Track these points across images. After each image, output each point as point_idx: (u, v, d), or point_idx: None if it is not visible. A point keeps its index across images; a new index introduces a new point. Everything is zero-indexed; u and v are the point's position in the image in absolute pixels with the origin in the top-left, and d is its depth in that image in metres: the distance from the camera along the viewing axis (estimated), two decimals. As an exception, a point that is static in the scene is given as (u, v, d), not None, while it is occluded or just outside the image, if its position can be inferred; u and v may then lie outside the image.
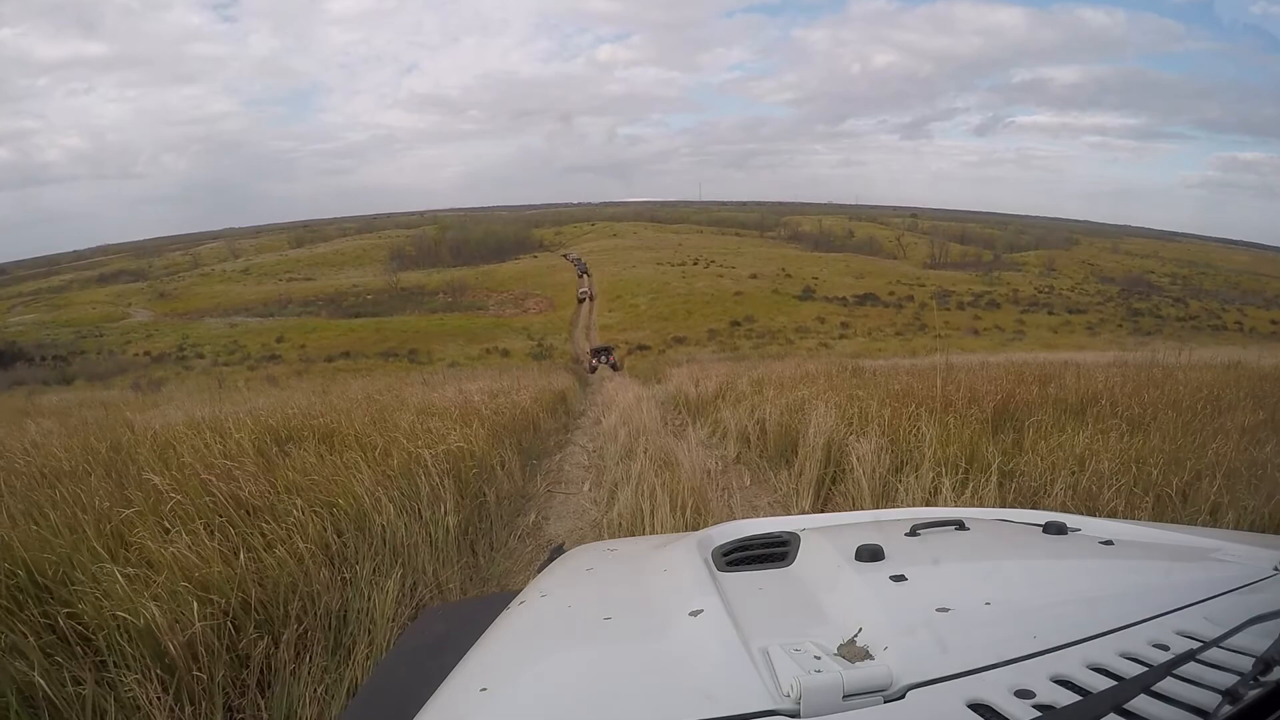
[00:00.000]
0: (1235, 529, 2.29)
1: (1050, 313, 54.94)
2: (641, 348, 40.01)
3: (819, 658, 0.62)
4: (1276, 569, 0.82)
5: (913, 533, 1.03)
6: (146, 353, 50.53)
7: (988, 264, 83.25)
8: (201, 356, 48.05)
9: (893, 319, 49.95)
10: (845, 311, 52.71)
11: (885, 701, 0.58)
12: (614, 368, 28.82)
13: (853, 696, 0.57)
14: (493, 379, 10.82)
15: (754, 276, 64.54)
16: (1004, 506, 2.28)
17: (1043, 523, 1.11)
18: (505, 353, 39.26)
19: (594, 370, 27.99)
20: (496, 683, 0.71)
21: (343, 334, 50.54)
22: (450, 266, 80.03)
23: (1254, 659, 0.54)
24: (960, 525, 1.09)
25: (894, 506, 2.53)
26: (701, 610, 0.76)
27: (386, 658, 1.11)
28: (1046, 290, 64.90)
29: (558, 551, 1.33)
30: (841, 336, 43.82)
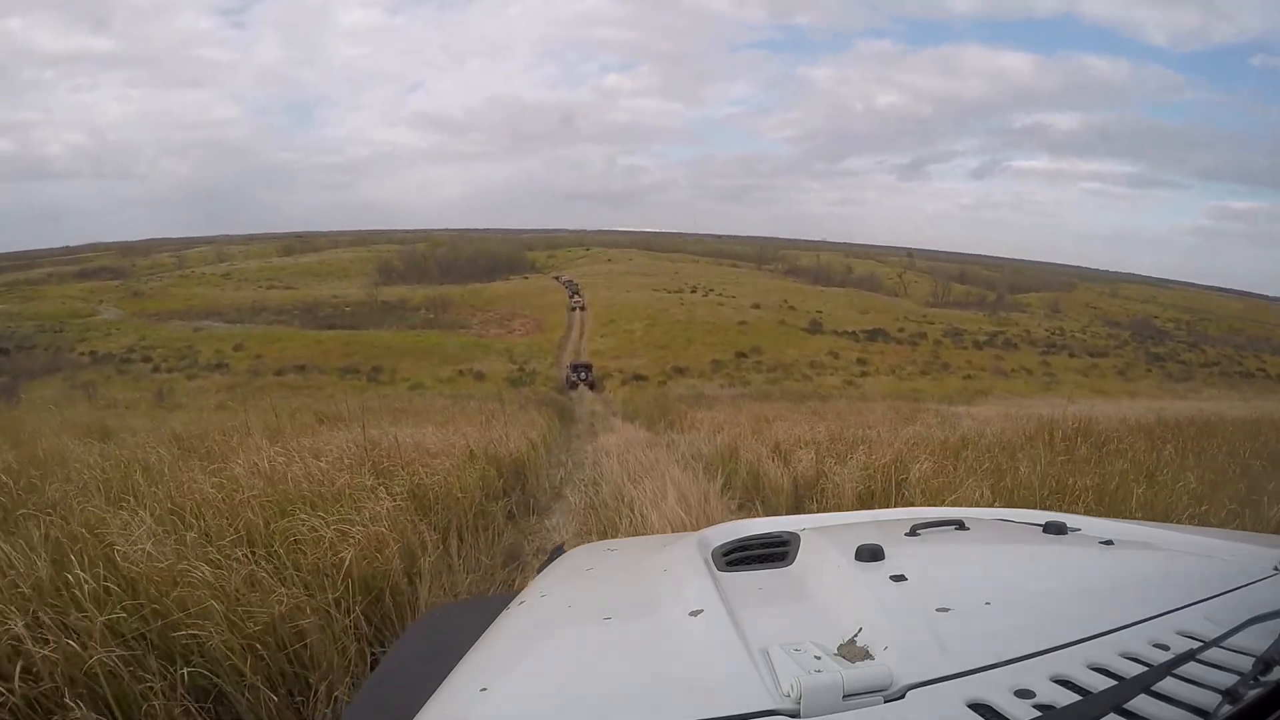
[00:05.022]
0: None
1: (1071, 355, 52.17)
2: (638, 378, 35.94)
3: (819, 658, 0.62)
4: (1276, 569, 0.81)
5: (913, 533, 1.01)
6: (92, 352, 46.12)
7: (991, 304, 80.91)
8: (147, 360, 43.82)
9: (910, 356, 46.50)
10: (858, 347, 49.23)
11: (885, 701, 0.57)
12: (591, 386, 28.76)
13: (853, 696, 0.57)
14: (413, 424, 6.65)
15: (756, 307, 60.90)
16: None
17: (1043, 522, 1.09)
18: (480, 376, 34.90)
19: (574, 388, 27.71)
20: (496, 683, 0.70)
21: (307, 345, 45.97)
22: (438, 283, 75.84)
23: (1254, 659, 0.54)
24: (960, 525, 1.07)
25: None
26: (701, 610, 0.75)
27: (387, 657, 1.08)
28: (1058, 332, 62.12)
29: (558, 552, 1.28)
30: (863, 374, 39.99)
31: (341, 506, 2.42)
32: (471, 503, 3.29)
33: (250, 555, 2.09)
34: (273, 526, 2.18)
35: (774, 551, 0.99)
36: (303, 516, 2.19)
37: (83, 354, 45.71)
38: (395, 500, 2.68)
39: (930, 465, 3.61)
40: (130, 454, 4.16)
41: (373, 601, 2.14)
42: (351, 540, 2.11)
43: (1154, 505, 2.87)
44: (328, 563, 2.05)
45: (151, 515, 2.55)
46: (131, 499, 2.94)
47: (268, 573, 1.95)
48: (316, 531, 2.12)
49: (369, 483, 2.78)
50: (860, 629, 0.67)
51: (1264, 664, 0.52)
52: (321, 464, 2.91)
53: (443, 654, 0.79)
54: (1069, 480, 3.22)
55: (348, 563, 1.99)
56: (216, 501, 2.54)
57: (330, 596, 1.92)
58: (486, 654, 0.78)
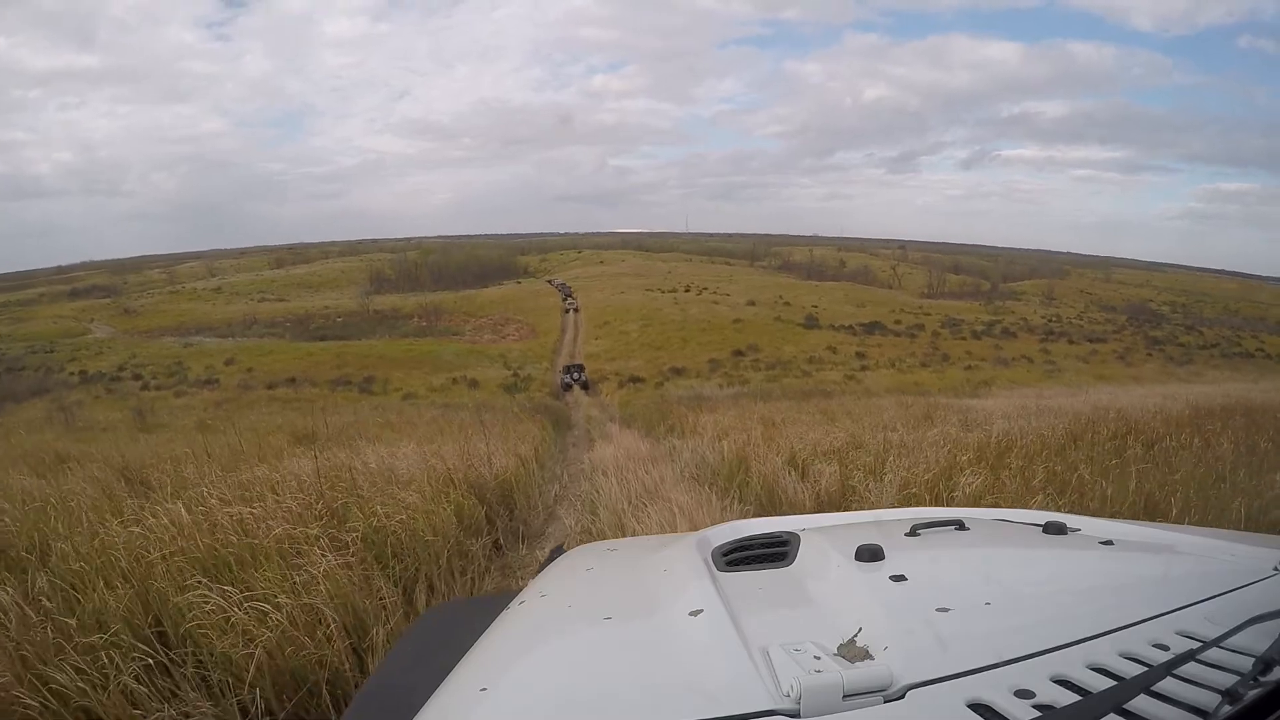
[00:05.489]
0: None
1: (1070, 342, 51.84)
2: (635, 379, 35.41)
3: (819, 658, 0.61)
4: (1276, 569, 0.81)
5: (913, 533, 1.01)
6: (82, 371, 45.53)
7: (986, 293, 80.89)
8: (138, 378, 43.25)
9: (909, 348, 46.09)
10: (856, 341, 48.69)
11: (885, 701, 0.57)
12: (584, 387, 29.40)
13: (853, 696, 0.56)
14: (393, 440, 6.18)
15: (751, 304, 60.47)
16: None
17: (1042, 523, 1.09)
18: (474, 383, 34.34)
19: (568, 389, 28.08)
20: (496, 683, 0.70)
21: (299, 358, 45.36)
22: (430, 290, 75.23)
23: (1254, 659, 0.54)
24: (960, 525, 1.06)
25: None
26: (701, 610, 0.75)
27: (387, 658, 1.07)
28: (1055, 319, 61.95)
29: (558, 552, 1.27)
30: (863, 368, 39.54)
31: (270, 570, 1.94)
32: (445, 543, 2.81)
33: (150, 646, 1.61)
34: (172, 604, 1.71)
35: (774, 551, 0.98)
36: (205, 592, 1.70)
37: (72, 374, 45.10)
38: (346, 553, 2.19)
39: (980, 479, 3.13)
40: (62, 492, 3.67)
41: (307, 696, 1.66)
42: (270, 623, 1.63)
43: (1261, 521, 2.41)
44: (242, 654, 1.57)
45: (48, 581, 2.08)
46: (35, 558, 2.46)
47: (154, 672, 1.47)
48: (225, 612, 1.64)
49: (313, 532, 2.30)
50: (860, 629, 0.67)
51: (1264, 664, 0.52)
52: (254, 509, 2.42)
53: (443, 654, 0.79)
54: (1162, 496, 2.71)
55: (257, 658, 1.51)
56: (123, 563, 2.05)
57: (235, 701, 1.45)
58: (486, 654, 0.78)
